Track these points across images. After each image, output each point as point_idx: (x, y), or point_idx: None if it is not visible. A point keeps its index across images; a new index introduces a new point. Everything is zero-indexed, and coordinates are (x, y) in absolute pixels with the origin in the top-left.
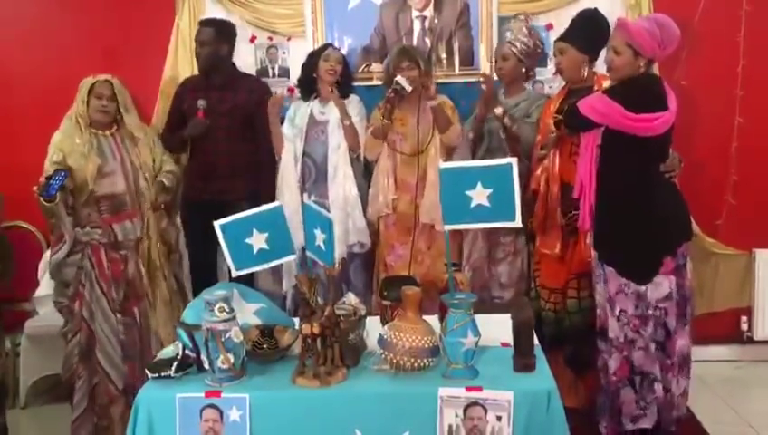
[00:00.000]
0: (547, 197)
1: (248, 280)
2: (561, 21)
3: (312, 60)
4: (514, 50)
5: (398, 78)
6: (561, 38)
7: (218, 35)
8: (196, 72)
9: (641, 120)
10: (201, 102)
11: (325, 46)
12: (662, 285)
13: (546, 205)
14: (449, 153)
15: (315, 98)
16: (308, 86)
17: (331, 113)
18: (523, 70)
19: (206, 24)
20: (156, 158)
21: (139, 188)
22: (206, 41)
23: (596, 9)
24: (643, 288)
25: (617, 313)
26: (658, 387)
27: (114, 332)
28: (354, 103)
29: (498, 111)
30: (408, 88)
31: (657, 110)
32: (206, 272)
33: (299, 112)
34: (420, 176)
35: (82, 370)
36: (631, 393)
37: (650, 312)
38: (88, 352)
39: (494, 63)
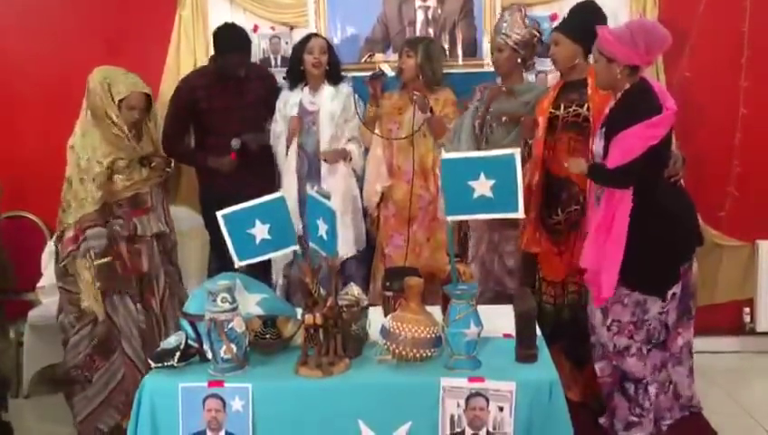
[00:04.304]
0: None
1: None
2: (565, 11)
3: (298, 52)
4: (509, 41)
5: (381, 64)
6: (556, 28)
7: None
8: (198, 62)
9: (659, 122)
10: (235, 143)
11: (308, 37)
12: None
13: (530, 198)
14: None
15: (304, 86)
16: (296, 77)
17: (322, 104)
18: (519, 60)
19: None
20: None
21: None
22: None
23: (592, 0)
24: (643, 298)
25: (608, 322)
26: (652, 389)
27: (135, 322)
28: (343, 93)
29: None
30: (389, 73)
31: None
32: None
33: (289, 103)
34: (417, 162)
35: (101, 362)
36: (623, 401)
37: (650, 316)
38: (107, 344)
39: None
